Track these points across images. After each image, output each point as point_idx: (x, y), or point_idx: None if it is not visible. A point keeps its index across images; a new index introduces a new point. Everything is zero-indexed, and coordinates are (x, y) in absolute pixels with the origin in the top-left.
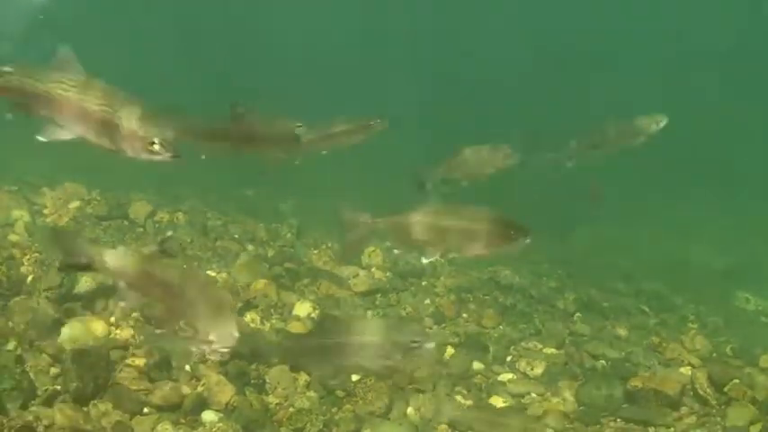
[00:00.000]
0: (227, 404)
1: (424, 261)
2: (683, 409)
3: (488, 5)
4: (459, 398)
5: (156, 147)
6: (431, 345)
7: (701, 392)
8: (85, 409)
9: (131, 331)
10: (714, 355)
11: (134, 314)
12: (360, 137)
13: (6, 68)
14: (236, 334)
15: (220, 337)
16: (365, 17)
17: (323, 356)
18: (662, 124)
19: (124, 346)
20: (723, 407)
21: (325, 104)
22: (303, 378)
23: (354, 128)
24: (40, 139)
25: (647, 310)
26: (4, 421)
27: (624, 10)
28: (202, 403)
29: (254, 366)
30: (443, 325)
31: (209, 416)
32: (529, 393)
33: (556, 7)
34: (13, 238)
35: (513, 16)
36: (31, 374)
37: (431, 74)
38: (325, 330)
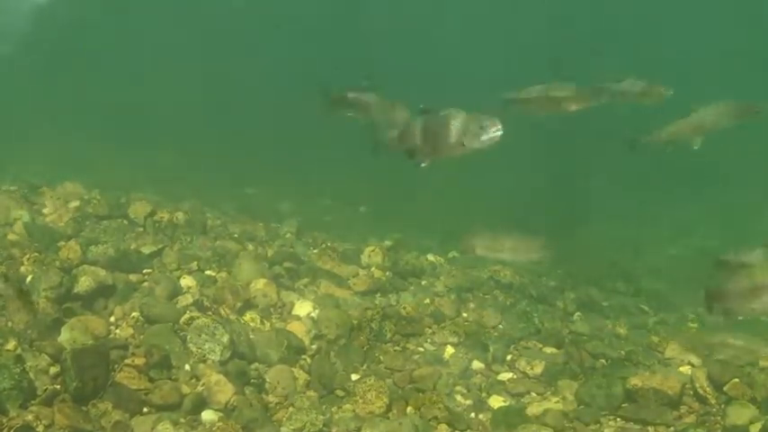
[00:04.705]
0: (226, 404)
1: None
2: (683, 409)
3: None
4: (458, 397)
5: None
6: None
7: (701, 392)
8: (85, 408)
9: (131, 331)
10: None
11: (134, 314)
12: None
13: None
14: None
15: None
16: None
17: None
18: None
19: (124, 346)
20: (723, 406)
21: None
22: (303, 377)
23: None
24: None
25: (646, 309)
26: (4, 421)
27: None
28: (202, 403)
29: (253, 366)
30: (443, 324)
31: (208, 415)
32: (528, 393)
33: None
34: (12, 237)
35: None
36: (31, 374)
37: None
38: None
